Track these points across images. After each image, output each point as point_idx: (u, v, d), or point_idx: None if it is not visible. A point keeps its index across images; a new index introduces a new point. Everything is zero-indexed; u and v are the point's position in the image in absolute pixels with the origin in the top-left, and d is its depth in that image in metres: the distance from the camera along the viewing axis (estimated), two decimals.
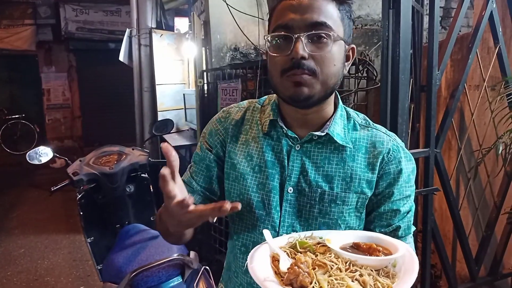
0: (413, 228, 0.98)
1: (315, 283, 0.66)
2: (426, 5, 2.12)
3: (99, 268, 2.00)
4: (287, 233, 0.88)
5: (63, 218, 4.66)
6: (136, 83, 4.71)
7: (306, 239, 0.80)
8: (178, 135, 4.35)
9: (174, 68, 4.64)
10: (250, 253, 0.77)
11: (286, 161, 0.94)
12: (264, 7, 3.39)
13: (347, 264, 0.71)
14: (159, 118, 4.21)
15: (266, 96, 1.06)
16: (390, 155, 0.93)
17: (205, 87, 3.49)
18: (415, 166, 0.98)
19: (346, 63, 0.92)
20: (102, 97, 9.18)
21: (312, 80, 0.85)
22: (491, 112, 2.26)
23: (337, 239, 0.78)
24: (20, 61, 8.87)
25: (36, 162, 2.17)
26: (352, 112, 1.00)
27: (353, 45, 0.93)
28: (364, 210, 0.95)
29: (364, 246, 0.76)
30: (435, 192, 2.01)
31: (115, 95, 8.87)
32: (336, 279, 0.67)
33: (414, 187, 0.98)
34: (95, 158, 2.13)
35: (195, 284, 1.64)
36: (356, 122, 0.98)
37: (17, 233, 4.32)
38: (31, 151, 2.18)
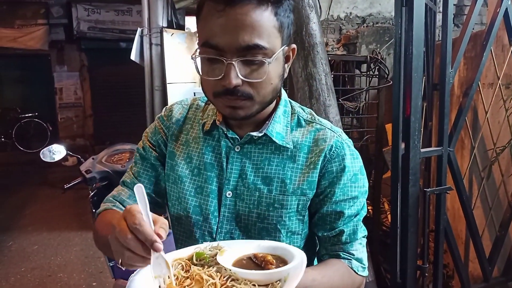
0: (363, 234, 0.91)
1: None
2: (439, 2, 2.10)
3: (111, 265, 2.02)
4: (224, 240, 0.85)
5: (76, 215, 4.72)
6: (147, 82, 4.74)
7: (210, 250, 0.75)
8: None
9: (185, 67, 4.65)
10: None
11: (225, 163, 0.89)
12: None
13: (225, 279, 0.67)
14: None
15: None
16: (333, 152, 0.87)
17: None
18: (362, 165, 0.91)
19: (285, 65, 0.84)
20: (113, 96, 9.25)
21: (248, 103, 0.79)
22: (506, 111, 2.23)
23: (238, 249, 0.74)
24: (33, 61, 8.99)
25: (49, 159, 2.20)
26: (297, 107, 0.94)
27: (294, 45, 0.85)
28: (307, 213, 0.89)
29: (261, 257, 0.71)
30: (448, 191, 1.99)
31: (126, 94, 8.94)
32: None
33: (365, 188, 0.91)
34: (107, 156, 2.15)
35: None
36: (300, 117, 0.92)
37: (30, 230, 4.38)
38: (44, 149, 2.21)
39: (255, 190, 0.87)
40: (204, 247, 0.76)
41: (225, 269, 0.68)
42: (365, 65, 2.93)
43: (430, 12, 1.94)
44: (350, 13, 3.75)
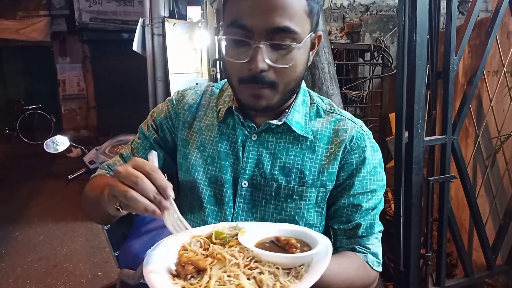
0: (379, 228, 0.89)
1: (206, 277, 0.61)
2: None
3: (116, 255, 2.04)
4: None
5: (80, 206, 4.74)
6: (150, 73, 4.73)
7: (229, 230, 0.73)
8: None
9: (187, 57, 4.64)
10: (158, 242, 0.70)
11: (241, 152, 0.87)
12: None
13: (249, 260, 0.64)
14: None
15: (225, 80, 0.95)
16: (353, 143, 0.85)
17: (218, 76, 3.49)
18: (381, 158, 0.89)
19: (310, 53, 0.82)
20: (116, 87, 9.26)
21: (271, 92, 0.78)
22: (511, 99, 2.21)
23: (258, 231, 0.72)
24: (36, 52, 9.00)
25: (52, 150, 2.21)
26: (316, 96, 0.93)
27: (320, 32, 0.83)
28: (325, 205, 0.87)
29: (284, 241, 0.69)
30: (451, 180, 1.98)
31: (129, 84, 8.93)
32: (229, 276, 0.61)
33: (384, 182, 0.88)
34: (110, 147, 2.16)
35: None
36: (319, 107, 0.90)
37: (36, 221, 4.43)
38: (48, 140, 2.22)
39: (273, 181, 0.84)
40: (223, 227, 0.74)
41: (248, 250, 0.66)
42: (369, 53, 2.91)
43: None
44: (354, 1, 3.71)
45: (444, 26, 1.92)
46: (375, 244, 0.88)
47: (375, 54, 2.84)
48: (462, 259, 2.13)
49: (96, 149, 2.17)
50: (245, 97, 0.80)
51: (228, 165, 0.87)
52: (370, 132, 0.90)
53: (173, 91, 4.53)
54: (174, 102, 0.96)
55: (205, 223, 0.88)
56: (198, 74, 4.72)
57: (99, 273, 3.29)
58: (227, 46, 0.77)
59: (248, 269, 0.63)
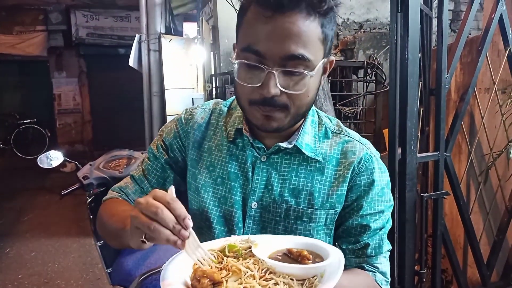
0: (387, 248, 0.90)
1: None
2: (435, 8, 2.11)
3: (109, 271, 2.01)
4: None
5: (73, 221, 4.70)
6: (146, 88, 4.75)
7: (241, 243, 0.74)
8: None
9: (183, 72, 4.67)
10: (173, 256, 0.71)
11: (250, 173, 0.86)
12: None
13: (264, 271, 0.65)
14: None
15: (233, 98, 0.95)
16: (362, 165, 0.85)
17: (214, 92, 3.52)
18: (389, 179, 0.90)
19: (322, 77, 0.83)
20: (112, 102, 9.27)
21: (282, 114, 0.78)
22: (502, 115, 2.24)
23: (271, 244, 0.73)
24: (32, 67, 9.01)
25: (46, 166, 2.20)
26: (324, 117, 0.93)
27: (333, 58, 0.84)
28: (334, 226, 0.88)
29: (296, 252, 0.70)
30: (445, 196, 1.99)
31: (125, 99, 8.95)
32: (245, 287, 0.62)
33: (391, 202, 0.89)
34: (105, 162, 2.15)
35: None
36: (328, 128, 0.90)
37: (28, 236, 4.37)
38: (41, 155, 2.21)
39: (282, 202, 0.85)
40: (235, 240, 0.74)
41: (262, 262, 0.67)
42: (362, 70, 2.94)
43: (426, 17, 1.96)
44: (347, 18, 3.77)
45: (436, 44, 1.96)
46: (384, 263, 0.89)
47: (369, 71, 2.88)
48: (456, 276, 2.13)
49: (90, 164, 2.15)
50: (255, 118, 0.80)
51: (237, 186, 0.87)
52: (378, 153, 0.91)
53: (168, 106, 4.55)
54: (183, 121, 0.95)
55: None
56: (193, 90, 4.75)
57: None
58: (240, 70, 0.77)
59: (263, 280, 0.64)
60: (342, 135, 0.90)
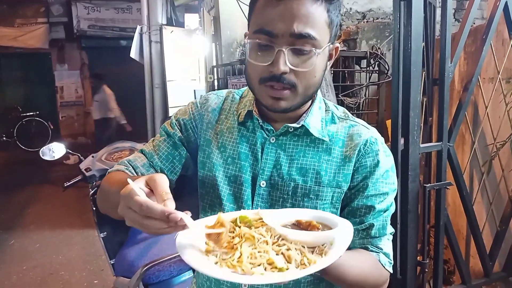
0: (391, 230, 0.93)
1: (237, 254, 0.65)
2: None
3: (112, 262, 2.03)
4: None
5: (77, 213, 4.73)
6: (147, 80, 4.74)
7: (251, 215, 0.76)
8: None
9: (184, 64, 4.66)
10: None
11: (260, 153, 0.91)
12: None
13: (276, 238, 0.69)
14: (170, 115, 4.24)
15: (245, 88, 1.01)
16: (367, 147, 0.89)
17: (215, 83, 3.50)
18: (394, 164, 0.93)
19: (328, 63, 0.88)
20: (114, 94, 9.25)
21: (291, 94, 0.82)
22: (506, 105, 2.22)
23: (279, 217, 0.75)
24: (34, 60, 9.01)
25: (49, 158, 2.20)
26: (331, 105, 0.97)
27: (337, 44, 0.89)
28: (340, 205, 0.91)
29: (305, 223, 0.73)
30: (447, 187, 1.99)
31: (127, 91, 8.93)
32: (259, 252, 0.65)
33: (395, 186, 0.93)
34: (107, 154, 2.15)
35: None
36: (334, 114, 0.95)
37: (32, 228, 4.40)
38: (44, 147, 2.21)
39: (290, 180, 0.88)
40: (245, 213, 0.77)
41: (274, 229, 0.70)
42: (365, 60, 2.91)
43: (430, 6, 1.93)
44: (350, 8, 3.73)
45: (440, 33, 1.94)
46: (387, 245, 0.91)
47: (372, 61, 2.85)
48: (459, 267, 2.13)
49: (93, 156, 2.16)
50: (264, 98, 0.84)
51: (247, 165, 0.92)
52: (383, 138, 0.95)
53: (170, 97, 4.54)
54: (199, 105, 1.01)
55: None
56: (195, 81, 4.73)
57: (95, 281, 3.26)
58: (251, 50, 0.82)
59: (276, 246, 0.67)
60: (348, 120, 0.94)
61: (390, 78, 2.29)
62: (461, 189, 2.07)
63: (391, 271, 0.92)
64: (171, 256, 1.60)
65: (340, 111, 0.97)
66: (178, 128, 1.00)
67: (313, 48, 0.79)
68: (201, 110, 1.00)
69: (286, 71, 0.78)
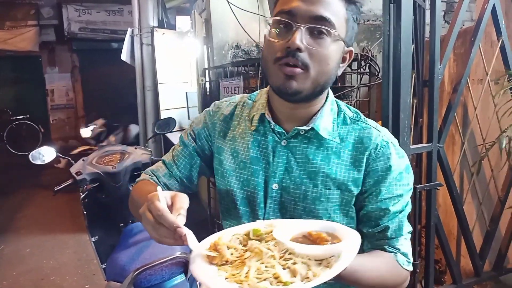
0: (408, 229, 0.93)
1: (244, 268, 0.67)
2: None
3: (103, 267, 2.01)
4: None
5: (69, 217, 4.69)
6: (139, 82, 4.72)
7: (265, 227, 0.79)
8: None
9: (176, 66, 4.65)
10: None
11: (271, 157, 0.93)
12: (265, 4, 3.38)
13: (283, 252, 0.70)
14: (162, 117, 4.22)
15: (258, 91, 1.04)
16: (378, 151, 0.89)
17: (207, 85, 3.50)
18: (408, 164, 0.93)
19: (341, 65, 0.90)
20: (105, 97, 9.20)
21: (303, 75, 0.83)
22: (495, 106, 2.25)
23: (292, 228, 0.77)
24: (24, 62, 8.91)
25: (39, 162, 2.18)
26: (343, 106, 0.98)
27: (352, 48, 0.91)
28: (353, 209, 0.92)
29: (316, 235, 0.74)
30: (438, 188, 2.00)
31: (118, 94, 8.88)
32: (266, 266, 0.67)
33: (410, 186, 0.92)
34: (98, 157, 2.13)
35: (198, 282, 1.65)
36: (346, 115, 0.95)
37: (24, 232, 4.35)
38: (34, 152, 2.19)
39: (301, 184, 0.90)
40: (259, 225, 0.80)
41: (282, 244, 0.72)
42: (356, 62, 2.93)
43: (419, 8, 1.95)
44: None
45: (429, 35, 1.96)
46: (405, 244, 0.91)
47: (363, 63, 2.86)
48: (450, 266, 2.14)
49: (83, 160, 2.14)
50: (278, 77, 0.84)
51: (259, 169, 0.94)
52: (396, 139, 0.95)
53: (162, 100, 4.53)
54: (211, 113, 1.05)
55: (240, 223, 0.93)
56: (187, 84, 4.72)
57: (87, 286, 3.23)
58: (271, 30, 0.85)
59: (283, 260, 0.69)
60: (360, 122, 0.94)
61: (381, 80, 2.31)
62: (451, 189, 2.09)
63: (411, 269, 0.92)
64: (162, 260, 1.59)
65: (352, 111, 0.97)
66: (192, 138, 1.05)
67: (330, 30, 0.81)
68: (213, 118, 1.04)
69: (301, 47, 0.80)
